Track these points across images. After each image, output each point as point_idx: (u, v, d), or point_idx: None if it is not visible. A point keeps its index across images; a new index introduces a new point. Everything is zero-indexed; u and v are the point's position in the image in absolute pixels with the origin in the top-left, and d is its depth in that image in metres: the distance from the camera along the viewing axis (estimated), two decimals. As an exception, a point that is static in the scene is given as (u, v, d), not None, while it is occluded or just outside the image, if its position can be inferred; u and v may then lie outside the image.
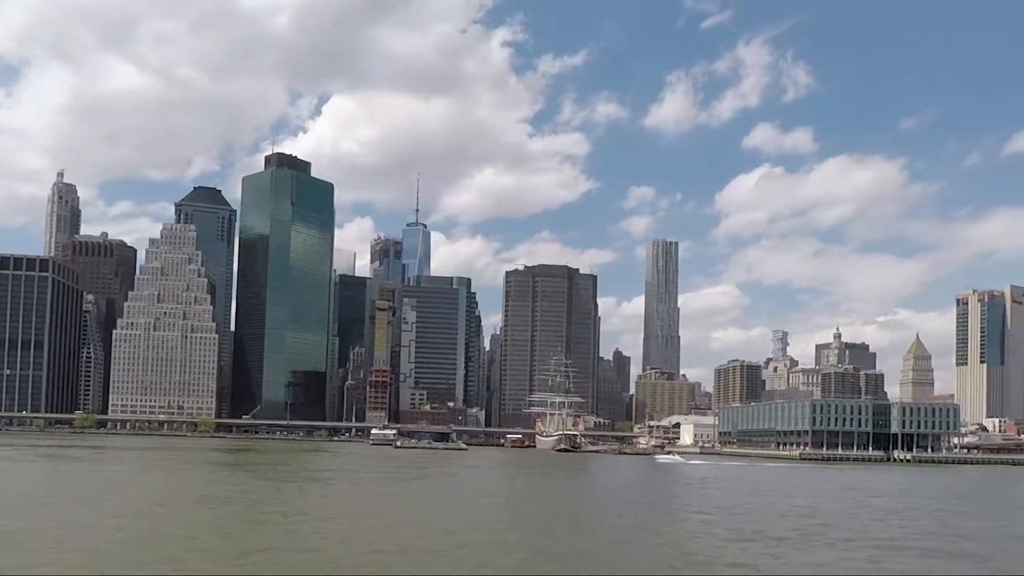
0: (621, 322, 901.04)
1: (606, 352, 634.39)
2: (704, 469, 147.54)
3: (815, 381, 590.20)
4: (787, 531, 49.09)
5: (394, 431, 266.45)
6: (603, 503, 72.16)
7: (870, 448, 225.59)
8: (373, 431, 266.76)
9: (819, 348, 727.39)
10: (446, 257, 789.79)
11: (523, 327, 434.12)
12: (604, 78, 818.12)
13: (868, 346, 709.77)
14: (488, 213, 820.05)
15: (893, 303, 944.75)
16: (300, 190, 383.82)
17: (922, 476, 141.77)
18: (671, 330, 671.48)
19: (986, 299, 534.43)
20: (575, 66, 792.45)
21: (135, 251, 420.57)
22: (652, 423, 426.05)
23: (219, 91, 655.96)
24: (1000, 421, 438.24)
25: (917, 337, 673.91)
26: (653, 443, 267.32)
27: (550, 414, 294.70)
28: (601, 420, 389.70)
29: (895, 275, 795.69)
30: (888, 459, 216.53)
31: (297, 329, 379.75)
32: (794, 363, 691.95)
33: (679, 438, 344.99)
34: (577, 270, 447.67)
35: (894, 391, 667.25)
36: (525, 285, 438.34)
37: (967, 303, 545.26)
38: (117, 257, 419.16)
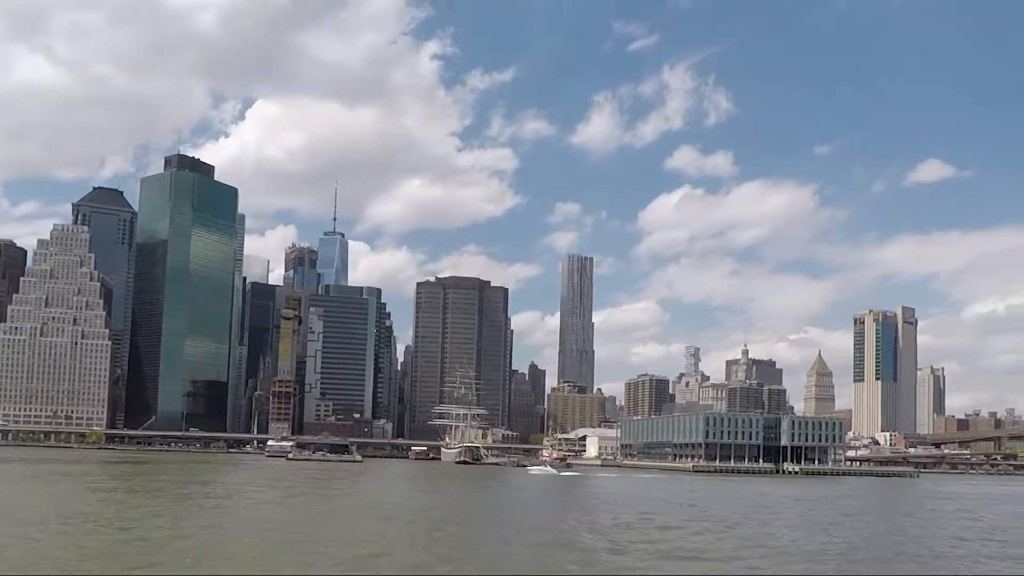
0: (544, 336, 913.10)
1: (521, 365, 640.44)
2: (575, 480, 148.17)
3: (722, 396, 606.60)
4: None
5: (291, 443, 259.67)
6: (427, 516, 70.89)
7: (760, 460, 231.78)
8: (269, 443, 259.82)
9: (729, 364, 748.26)
10: (370, 268, 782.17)
11: (433, 339, 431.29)
12: (533, 95, 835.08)
13: (775, 363, 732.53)
14: (414, 225, 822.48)
15: (804, 322, 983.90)
16: (201, 194, 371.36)
17: (809, 486, 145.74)
18: (586, 344, 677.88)
19: (880, 319, 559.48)
20: (504, 82, 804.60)
21: (25, 252, 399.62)
22: (560, 436, 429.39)
23: (136, 89, 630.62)
24: (891, 435, 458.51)
25: (819, 355, 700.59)
26: (556, 456, 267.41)
27: (454, 426, 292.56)
28: (511, 432, 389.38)
29: (806, 295, 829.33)
30: (777, 471, 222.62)
31: (196, 337, 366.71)
32: (705, 378, 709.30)
33: (585, 451, 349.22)
34: (488, 283, 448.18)
35: (800, 406, 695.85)
36: (436, 297, 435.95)
37: (863, 323, 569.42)
38: (5, 258, 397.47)
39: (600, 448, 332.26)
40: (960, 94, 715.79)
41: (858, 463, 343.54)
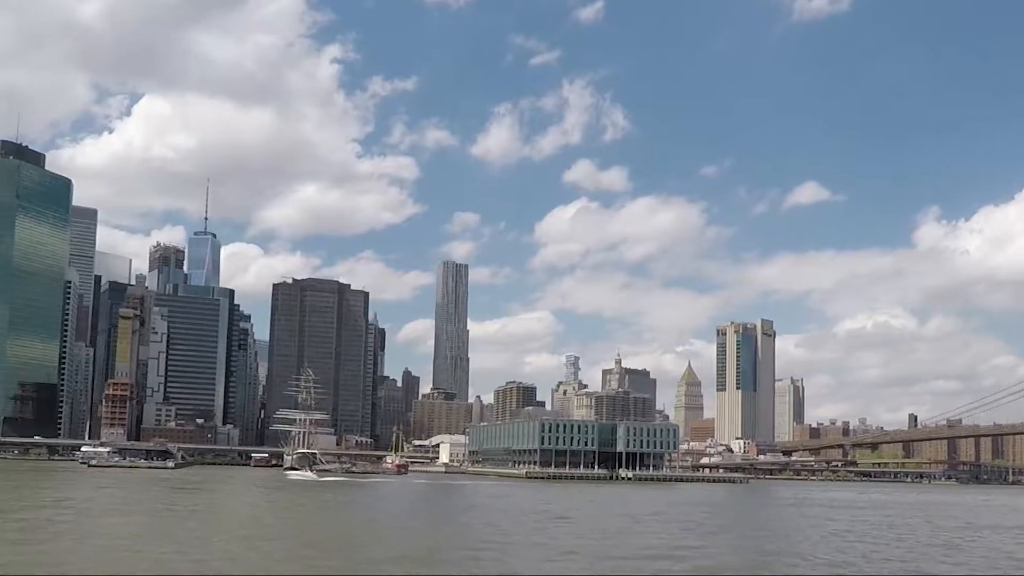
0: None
1: (394, 372, 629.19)
2: (332, 487, 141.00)
3: (590, 404, 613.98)
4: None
5: (108, 449, 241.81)
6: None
7: (596, 466, 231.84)
8: (83, 448, 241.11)
9: (604, 373, 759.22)
10: (261, 272, 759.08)
11: (290, 342, 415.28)
12: (434, 104, 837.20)
13: (648, 372, 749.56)
14: (310, 230, 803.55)
15: (689, 334, 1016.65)
16: (28, 183, 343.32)
17: (620, 491, 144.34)
18: (460, 352, 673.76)
19: (741, 331, 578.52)
20: (406, 90, 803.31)
21: None
22: (417, 442, 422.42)
23: (4, 79, 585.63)
24: (744, 442, 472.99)
25: (689, 365, 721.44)
26: (398, 462, 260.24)
27: (295, 432, 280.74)
28: (364, 439, 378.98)
29: (692, 309, 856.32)
30: (611, 477, 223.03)
31: (20, 336, 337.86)
32: (583, 387, 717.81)
33: (438, 457, 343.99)
34: (348, 285, 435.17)
35: (673, 414, 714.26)
36: (293, 299, 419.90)
37: (725, 334, 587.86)
38: None
39: (451, 455, 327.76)
40: (836, 123, 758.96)
41: (707, 469, 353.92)
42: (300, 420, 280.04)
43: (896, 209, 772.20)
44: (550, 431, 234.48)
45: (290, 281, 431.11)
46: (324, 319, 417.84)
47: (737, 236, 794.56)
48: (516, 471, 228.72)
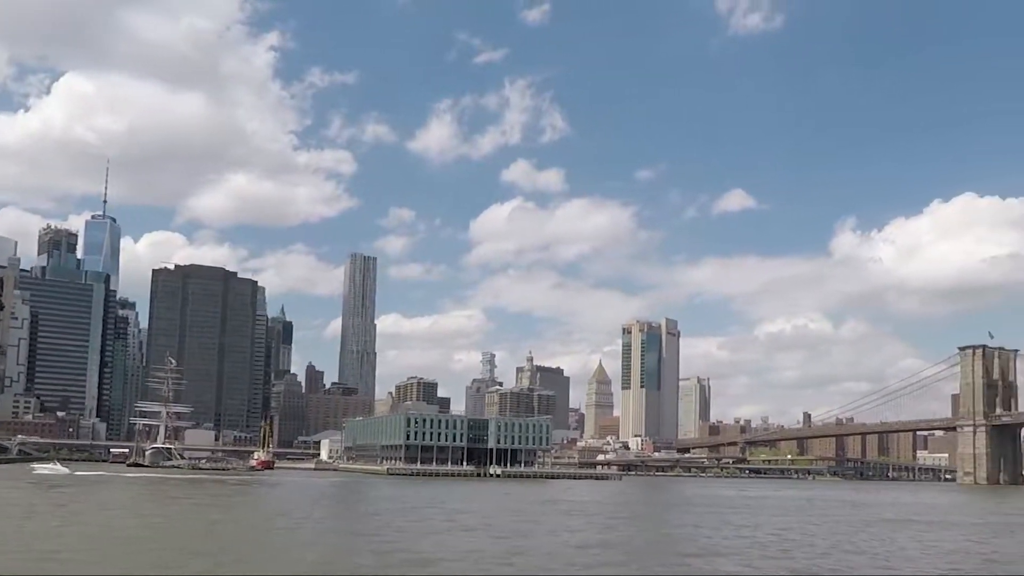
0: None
1: (298, 367, 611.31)
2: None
3: (496, 401, 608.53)
4: None
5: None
6: None
7: (464, 463, 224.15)
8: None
9: (518, 371, 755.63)
10: (185, 262, 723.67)
11: (170, 332, 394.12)
12: (374, 98, 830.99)
13: (562, 370, 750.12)
14: (240, 220, 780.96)
15: (618, 335, 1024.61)
16: None
17: (471, 488, 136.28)
18: (367, 346, 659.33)
19: (646, 330, 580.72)
20: (346, 83, 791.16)
21: None
22: (303, 438, 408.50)
23: None
24: (641, 440, 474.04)
25: (599, 363, 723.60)
26: (263, 459, 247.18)
27: (156, 425, 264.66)
28: (241, 434, 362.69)
29: (621, 310, 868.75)
30: (480, 474, 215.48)
31: None
32: (497, 384, 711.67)
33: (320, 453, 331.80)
34: (235, 273, 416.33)
35: (585, 412, 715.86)
36: (174, 286, 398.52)
37: (631, 333, 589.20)
38: None
39: (330, 450, 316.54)
40: (765, 134, 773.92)
41: (600, 466, 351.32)
42: (164, 413, 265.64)
43: (816, 219, 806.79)
44: (416, 426, 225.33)
45: (171, 267, 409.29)
46: (208, 308, 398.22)
47: (667, 239, 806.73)
48: (376, 467, 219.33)
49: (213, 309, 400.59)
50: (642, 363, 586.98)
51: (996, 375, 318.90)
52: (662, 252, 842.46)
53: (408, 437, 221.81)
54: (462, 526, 65.63)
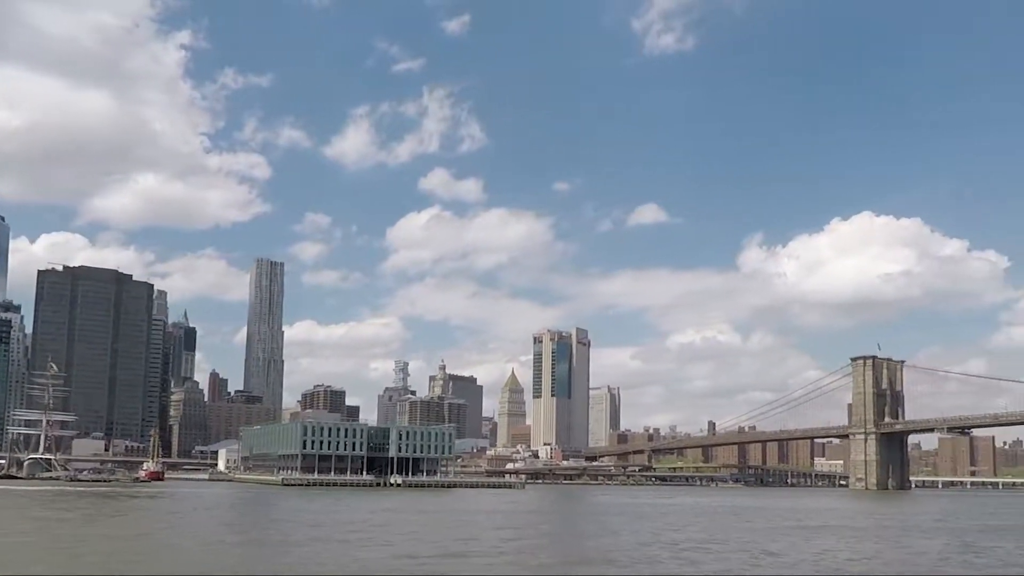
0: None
1: (203, 375, 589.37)
2: None
3: (406, 410, 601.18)
4: None
5: None
6: None
7: (365, 472, 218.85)
8: None
9: (431, 379, 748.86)
10: (87, 264, 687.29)
11: (58, 337, 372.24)
12: (290, 103, 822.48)
13: (476, 379, 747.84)
14: (147, 222, 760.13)
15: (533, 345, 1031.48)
16: None
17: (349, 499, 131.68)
18: (274, 354, 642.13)
19: (557, 339, 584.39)
20: (261, 86, 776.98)
21: None
22: (201, 447, 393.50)
23: None
24: (550, 448, 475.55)
25: (512, 372, 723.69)
26: (152, 470, 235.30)
27: (35, 434, 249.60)
28: (134, 444, 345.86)
29: (538, 320, 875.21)
30: (380, 483, 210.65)
31: None
32: (410, 392, 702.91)
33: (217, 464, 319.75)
34: (130, 276, 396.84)
35: (498, 420, 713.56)
36: (62, 289, 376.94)
37: (542, 342, 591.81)
38: None
39: (228, 460, 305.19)
40: (678, 150, 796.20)
41: (509, 475, 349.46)
42: (42, 421, 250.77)
43: (726, 234, 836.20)
44: (313, 434, 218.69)
45: (59, 268, 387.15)
46: (99, 312, 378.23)
47: (583, 251, 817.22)
48: (272, 478, 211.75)
49: (105, 313, 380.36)
50: (553, 372, 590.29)
51: (885, 385, 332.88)
52: (578, 263, 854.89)
53: (305, 446, 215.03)
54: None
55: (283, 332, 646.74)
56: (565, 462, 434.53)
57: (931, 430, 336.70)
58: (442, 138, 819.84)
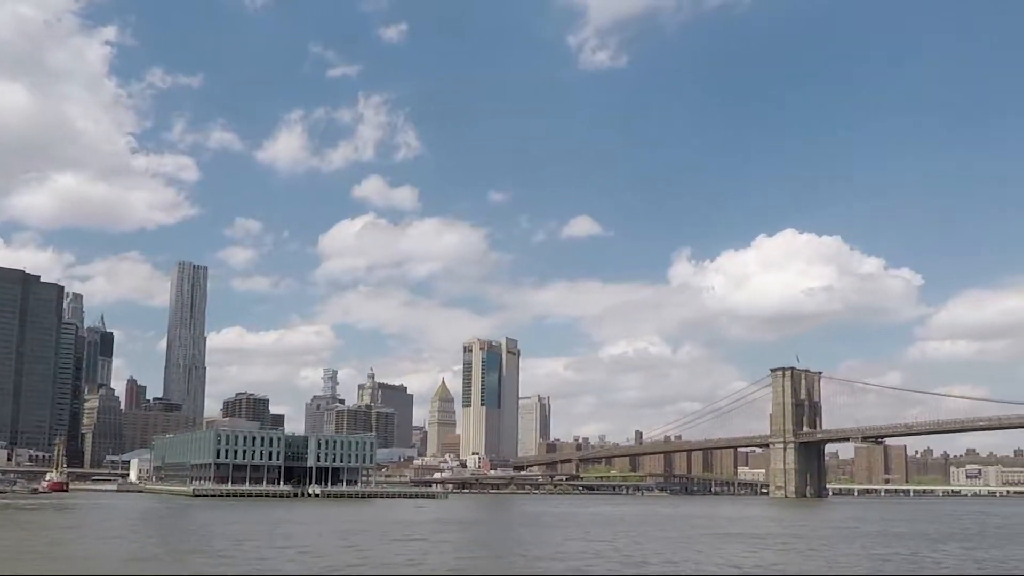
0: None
1: (120, 382, 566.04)
2: None
3: (334, 419, 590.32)
4: None
5: None
6: None
7: (281, 482, 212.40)
8: None
9: (359, 388, 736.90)
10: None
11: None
12: (221, 105, 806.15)
13: (406, 388, 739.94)
14: (67, 223, 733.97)
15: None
16: None
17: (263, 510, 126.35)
18: (196, 360, 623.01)
19: (486, 349, 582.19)
20: (191, 87, 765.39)
21: None
22: (112, 457, 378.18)
23: None
24: (478, 457, 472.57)
25: (443, 381, 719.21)
26: (55, 481, 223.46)
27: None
28: (40, 453, 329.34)
29: (471, 329, 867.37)
30: (298, 494, 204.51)
31: None
32: (338, 401, 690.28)
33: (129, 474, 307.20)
34: (38, 277, 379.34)
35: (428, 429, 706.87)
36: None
37: (472, 351, 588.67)
38: None
39: (140, 470, 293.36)
40: (610, 164, 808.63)
41: (436, 485, 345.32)
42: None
43: (656, 247, 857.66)
44: (227, 443, 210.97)
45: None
46: (3, 314, 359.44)
47: (517, 261, 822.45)
48: (182, 488, 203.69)
49: (9, 316, 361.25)
50: (483, 381, 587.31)
51: (803, 395, 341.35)
52: (512, 274, 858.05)
53: (219, 455, 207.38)
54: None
55: (206, 338, 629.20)
56: (493, 472, 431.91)
57: (847, 439, 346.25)
58: (377, 145, 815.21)
